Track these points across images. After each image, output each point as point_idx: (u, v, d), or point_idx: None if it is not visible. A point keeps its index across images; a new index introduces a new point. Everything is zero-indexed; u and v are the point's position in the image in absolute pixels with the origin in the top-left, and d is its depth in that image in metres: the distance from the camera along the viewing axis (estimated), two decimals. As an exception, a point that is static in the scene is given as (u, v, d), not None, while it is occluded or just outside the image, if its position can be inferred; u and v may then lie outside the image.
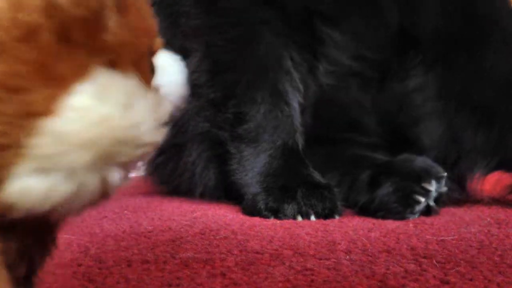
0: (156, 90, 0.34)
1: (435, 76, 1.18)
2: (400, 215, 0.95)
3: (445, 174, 0.99)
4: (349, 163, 1.11)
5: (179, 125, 1.20)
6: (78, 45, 0.30)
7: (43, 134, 0.29)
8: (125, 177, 0.34)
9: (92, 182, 0.32)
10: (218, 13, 1.12)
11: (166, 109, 0.34)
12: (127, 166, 0.34)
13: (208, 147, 1.18)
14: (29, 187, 0.30)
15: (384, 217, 0.95)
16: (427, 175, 0.97)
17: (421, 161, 1.01)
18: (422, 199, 0.95)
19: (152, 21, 0.35)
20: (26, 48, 0.29)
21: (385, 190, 0.97)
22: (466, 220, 0.91)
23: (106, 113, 0.30)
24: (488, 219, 0.91)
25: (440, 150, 1.17)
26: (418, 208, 0.95)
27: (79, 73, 0.30)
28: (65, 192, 0.31)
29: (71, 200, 0.31)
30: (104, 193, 0.33)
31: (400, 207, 0.95)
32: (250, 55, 1.10)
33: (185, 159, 1.20)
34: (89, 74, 0.30)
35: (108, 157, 0.31)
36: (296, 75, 1.12)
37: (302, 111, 1.15)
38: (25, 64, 0.29)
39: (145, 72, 0.33)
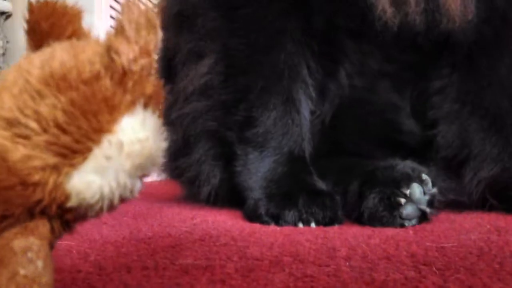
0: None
1: (457, 78, 1.19)
2: (391, 222, 0.95)
3: (427, 177, 0.98)
4: (341, 171, 1.11)
5: (188, 122, 1.21)
6: (129, 90, 0.44)
7: (104, 144, 0.43)
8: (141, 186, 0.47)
9: (128, 186, 0.44)
10: (238, 19, 1.12)
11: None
12: (143, 178, 0.47)
13: (215, 145, 1.18)
14: (88, 181, 0.43)
15: (381, 226, 0.95)
16: (407, 179, 0.96)
17: (402, 166, 1.00)
18: (403, 200, 0.94)
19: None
20: (95, 87, 0.43)
21: (371, 202, 0.97)
22: (466, 227, 0.91)
23: (145, 136, 0.44)
24: (488, 226, 0.91)
25: (450, 152, 1.18)
26: (406, 211, 0.94)
27: (129, 108, 0.44)
28: (112, 189, 0.43)
29: (113, 197, 0.44)
30: (131, 196, 0.46)
31: (388, 214, 0.95)
32: (267, 62, 1.11)
33: (193, 156, 1.21)
34: (134, 110, 0.45)
35: (140, 168, 0.44)
36: (310, 83, 1.13)
37: (319, 115, 1.16)
38: (96, 97, 0.43)
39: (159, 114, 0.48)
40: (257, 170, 1.10)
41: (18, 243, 0.43)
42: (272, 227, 0.97)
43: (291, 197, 1.01)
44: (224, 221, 1.01)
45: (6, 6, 2.28)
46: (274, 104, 1.10)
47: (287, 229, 0.94)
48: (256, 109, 1.11)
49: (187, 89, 1.21)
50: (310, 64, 1.13)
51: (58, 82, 0.43)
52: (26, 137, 0.42)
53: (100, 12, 3.03)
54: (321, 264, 0.66)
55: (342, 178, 1.08)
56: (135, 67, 0.44)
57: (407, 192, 0.95)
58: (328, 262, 0.67)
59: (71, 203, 0.43)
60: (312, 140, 1.14)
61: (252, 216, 1.03)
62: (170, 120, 1.31)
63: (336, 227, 0.95)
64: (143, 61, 0.44)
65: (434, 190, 0.98)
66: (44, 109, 0.42)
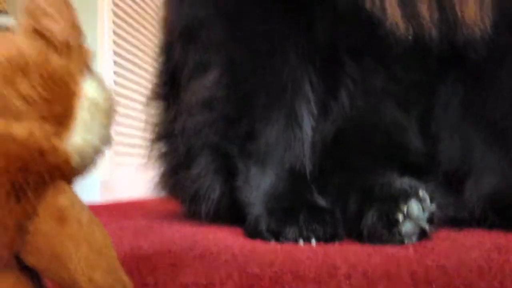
0: None
1: (461, 90, 1.18)
2: (390, 239, 0.94)
3: (425, 193, 0.96)
4: (341, 187, 1.10)
5: (190, 135, 1.21)
6: (74, 61, 0.52)
7: (84, 106, 0.50)
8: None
9: (108, 138, 0.52)
10: (242, 33, 1.13)
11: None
12: None
13: (216, 159, 1.18)
14: (85, 139, 0.50)
15: (381, 244, 0.95)
16: (405, 196, 0.95)
17: (400, 183, 0.99)
18: (401, 217, 0.93)
19: None
20: (51, 64, 0.50)
21: (369, 220, 0.96)
22: (466, 245, 0.91)
23: (109, 94, 0.52)
24: (488, 244, 0.91)
25: (452, 166, 1.17)
26: (405, 228, 0.94)
27: (82, 75, 0.51)
28: (101, 143, 0.51)
29: (102, 150, 0.52)
30: (109, 145, 0.54)
31: (387, 231, 0.94)
32: (271, 75, 1.11)
33: (194, 169, 1.21)
34: (86, 75, 0.52)
35: (112, 121, 0.52)
36: (312, 98, 1.12)
37: (321, 132, 1.16)
38: (57, 71, 0.50)
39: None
40: (258, 185, 1.09)
41: (64, 199, 0.49)
42: (273, 244, 0.97)
43: (292, 213, 1.01)
44: (225, 238, 1.01)
45: None
46: (277, 118, 1.10)
47: (288, 246, 0.94)
48: (259, 122, 1.11)
49: (191, 102, 1.21)
50: (312, 79, 1.13)
51: (17, 68, 0.48)
52: (20, 118, 0.48)
53: (102, 12, 3.04)
54: (321, 281, 0.66)
55: (341, 194, 1.07)
56: (72, 41, 0.51)
57: (405, 209, 0.95)
58: (328, 280, 0.66)
59: (75, 163, 0.50)
60: (313, 157, 1.14)
61: (253, 233, 1.03)
62: (171, 133, 1.30)
63: (336, 244, 0.95)
64: (75, 34, 0.52)
65: (433, 206, 0.97)
66: (24, 89, 0.48)
